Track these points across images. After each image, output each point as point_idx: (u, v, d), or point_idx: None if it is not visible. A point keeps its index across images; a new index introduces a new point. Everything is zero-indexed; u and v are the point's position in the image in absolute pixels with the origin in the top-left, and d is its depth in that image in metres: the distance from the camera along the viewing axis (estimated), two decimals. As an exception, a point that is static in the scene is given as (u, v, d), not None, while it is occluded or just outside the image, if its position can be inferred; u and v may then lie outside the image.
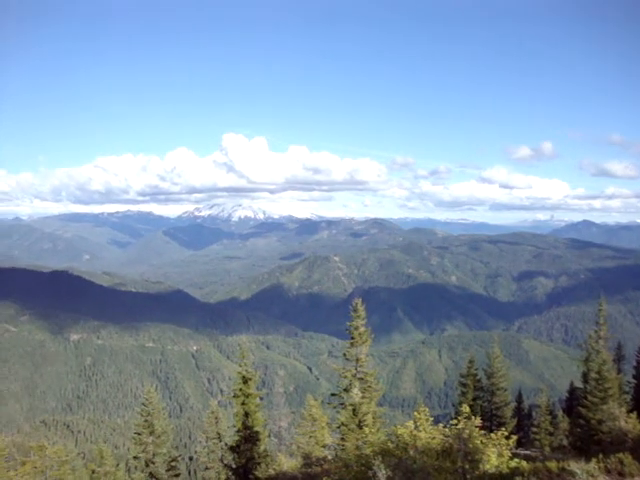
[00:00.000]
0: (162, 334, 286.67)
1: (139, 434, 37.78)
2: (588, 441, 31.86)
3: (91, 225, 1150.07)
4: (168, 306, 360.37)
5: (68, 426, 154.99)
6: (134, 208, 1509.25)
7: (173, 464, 39.56)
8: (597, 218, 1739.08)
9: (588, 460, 13.48)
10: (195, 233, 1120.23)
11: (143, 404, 38.14)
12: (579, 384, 44.70)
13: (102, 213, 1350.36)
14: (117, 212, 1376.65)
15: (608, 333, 40.42)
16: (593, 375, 36.20)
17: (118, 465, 39.50)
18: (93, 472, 38.21)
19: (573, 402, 48.25)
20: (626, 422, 26.14)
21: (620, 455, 13.13)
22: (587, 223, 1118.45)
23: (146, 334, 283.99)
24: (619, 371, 44.38)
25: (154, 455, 37.63)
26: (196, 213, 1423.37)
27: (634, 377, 46.11)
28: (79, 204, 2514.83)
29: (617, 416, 27.17)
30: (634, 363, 46.72)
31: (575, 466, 12.86)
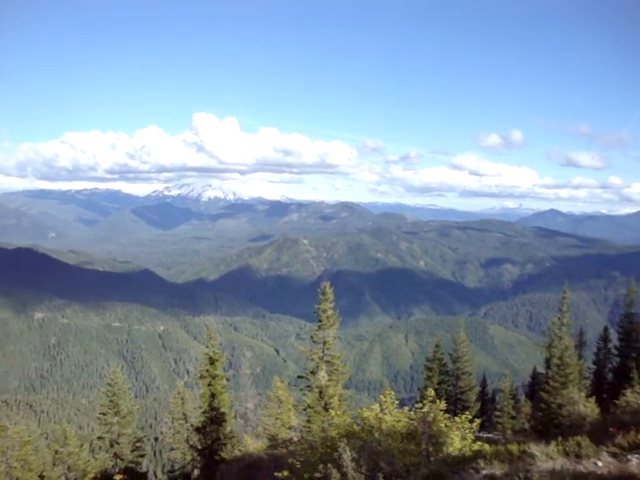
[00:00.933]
0: (129, 314, 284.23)
1: (104, 414, 37.54)
2: (548, 424, 32.55)
3: (57, 202, 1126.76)
4: (135, 286, 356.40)
5: (31, 406, 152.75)
6: (102, 186, 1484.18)
7: (138, 445, 39.46)
8: (564, 207, 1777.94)
9: (548, 443, 13.74)
10: (164, 213, 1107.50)
11: (108, 384, 37.84)
12: (542, 369, 45.64)
13: (69, 190, 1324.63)
14: (85, 189, 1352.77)
15: (571, 320, 41.22)
16: (555, 361, 36.93)
17: (82, 446, 39.07)
18: (56, 452, 37.79)
19: (535, 387, 49.22)
20: (585, 406, 26.77)
21: (578, 438, 13.41)
22: (554, 212, 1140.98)
23: (112, 314, 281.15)
24: (580, 357, 45.43)
25: (119, 435, 37.46)
26: (165, 192, 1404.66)
27: (594, 363, 47.18)
28: (45, 180, 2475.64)
29: (576, 401, 27.78)
30: (595, 349, 47.81)
31: (535, 449, 13.10)
